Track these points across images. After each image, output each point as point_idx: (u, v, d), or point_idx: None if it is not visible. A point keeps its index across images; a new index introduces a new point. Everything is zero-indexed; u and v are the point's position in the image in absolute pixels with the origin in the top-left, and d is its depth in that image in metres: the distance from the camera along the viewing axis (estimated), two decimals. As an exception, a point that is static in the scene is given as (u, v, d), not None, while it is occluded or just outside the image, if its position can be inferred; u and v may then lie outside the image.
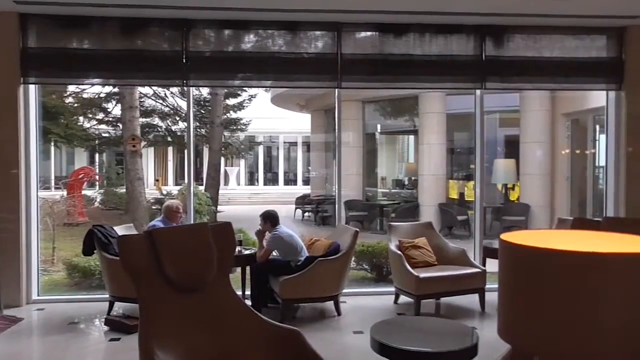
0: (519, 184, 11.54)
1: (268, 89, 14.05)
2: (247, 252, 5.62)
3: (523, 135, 11.09)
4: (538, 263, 1.28)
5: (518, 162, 11.05)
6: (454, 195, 13.04)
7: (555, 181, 10.92)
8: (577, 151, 10.39)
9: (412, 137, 15.11)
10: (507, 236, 1.44)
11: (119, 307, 5.19)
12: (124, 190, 12.60)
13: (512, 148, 11.85)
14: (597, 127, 9.45)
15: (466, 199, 12.23)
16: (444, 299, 5.59)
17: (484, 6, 5.27)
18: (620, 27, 6.04)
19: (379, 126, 14.79)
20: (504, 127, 12.73)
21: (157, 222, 5.38)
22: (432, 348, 2.46)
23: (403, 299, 5.56)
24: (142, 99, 14.18)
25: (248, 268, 5.48)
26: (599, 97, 6.70)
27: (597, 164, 9.67)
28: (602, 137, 7.28)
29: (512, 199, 12.10)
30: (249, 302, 5.14)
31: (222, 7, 5.23)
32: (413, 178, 13.37)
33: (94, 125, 15.58)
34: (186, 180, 6.51)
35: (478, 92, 6.14)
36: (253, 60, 5.70)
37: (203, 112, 15.10)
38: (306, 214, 14.76)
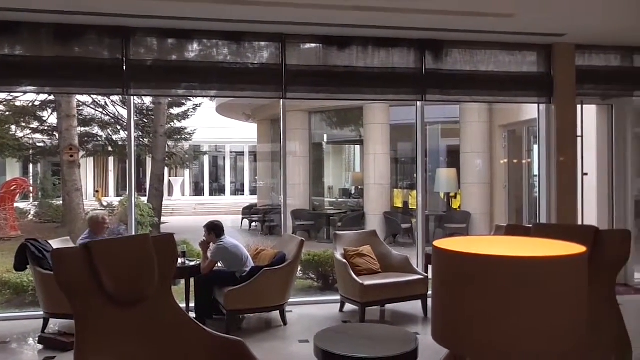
0: (460, 193, 11.95)
1: (213, 98, 13.91)
2: (191, 263, 5.52)
3: (463, 146, 11.53)
4: (463, 267, 1.35)
5: (459, 172, 11.46)
6: (399, 204, 13.32)
7: (494, 190, 11.40)
8: (515, 161, 10.89)
9: (358, 147, 15.36)
10: (439, 243, 1.50)
11: (55, 324, 4.97)
12: (61, 202, 12.09)
13: (453, 158, 12.27)
14: (533, 137, 9.95)
15: (410, 207, 12.53)
16: (388, 306, 5.70)
17: (423, 21, 5.47)
18: (548, 44, 6.42)
19: (325, 136, 14.94)
20: (446, 137, 13.17)
21: (83, 239, 5.08)
22: (373, 354, 2.52)
23: (348, 306, 5.63)
24: (81, 108, 13.69)
25: (192, 280, 5.39)
26: (532, 110, 7.08)
27: (532, 173, 10.18)
28: (536, 147, 7.68)
29: (454, 207, 12.51)
30: (193, 315, 5.08)
31: (164, 16, 5.15)
32: (359, 187, 13.57)
33: (27, 134, 14.87)
34: (127, 191, 6.33)
35: (419, 103, 6.34)
36: (197, 69, 5.64)
37: (146, 121, 14.73)
38: (253, 224, 14.66)
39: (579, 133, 6.83)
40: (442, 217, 11.88)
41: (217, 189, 25.98)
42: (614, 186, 7.29)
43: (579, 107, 6.80)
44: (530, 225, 3.37)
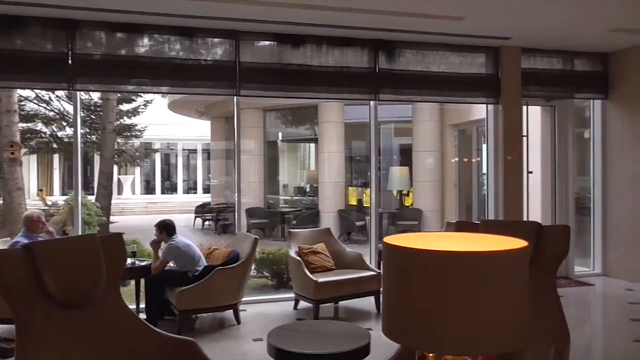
0: (412, 190, 12.20)
1: (165, 95, 13.60)
2: (141, 263, 5.39)
3: (415, 144, 11.78)
4: (411, 262, 1.38)
5: (411, 170, 11.70)
6: (353, 201, 13.46)
7: (445, 187, 11.71)
8: (465, 159, 11.22)
9: (313, 145, 15.41)
10: (388, 239, 1.53)
11: (-5, 330, 4.74)
12: (1, 201, 11.51)
13: (406, 156, 12.51)
14: (482, 137, 10.28)
15: (364, 205, 12.69)
16: (342, 303, 5.75)
17: (376, 22, 5.55)
18: (495, 47, 6.65)
19: (280, 134, 14.90)
20: (399, 136, 13.41)
21: (20, 239, 4.80)
22: (325, 350, 2.54)
23: (303, 304, 5.65)
24: (23, 103, 13.07)
25: (143, 280, 5.26)
26: (481, 110, 7.32)
27: (481, 171, 10.50)
28: (485, 146, 7.93)
29: (407, 205, 12.75)
30: (144, 316, 4.96)
31: (113, 9, 4.99)
32: (314, 185, 13.62)
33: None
34: (74, 190, 6.09)
35: (372, 103, 6.43)
36: (148, 65, 5.50)
37: (94, 117, 14.24)
38: (206, 222, 14.45)
39: (524, 133, 7.11)
40: (395, 214, 12.10)
41: (169, 188, 25.42)
42: (557, 184, 7.63)
43: (524, 107, 7.08)
44: (479, 222, 3.49)
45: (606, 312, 6.16)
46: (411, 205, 12.38)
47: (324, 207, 11.88)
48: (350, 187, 13.76)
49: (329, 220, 11.37)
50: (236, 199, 6.16)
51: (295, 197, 15.04)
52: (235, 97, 5.89)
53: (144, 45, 5.52)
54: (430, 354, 1.55)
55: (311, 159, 16.44)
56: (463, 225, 3.39)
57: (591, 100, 7.46)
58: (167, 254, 5.09)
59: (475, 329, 1.34)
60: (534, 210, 7.67)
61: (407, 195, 12.84)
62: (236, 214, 6.25)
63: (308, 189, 15.01)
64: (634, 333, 4.95)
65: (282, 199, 14.72)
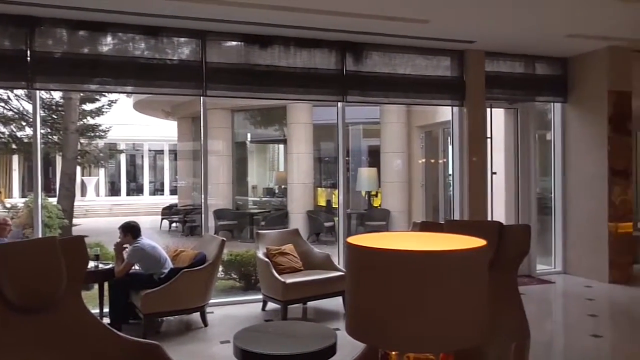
0: (380, 191, 12.32)
1: (130, 94, 13.34)
2: (105, 266, 5.27)
3: (383, 146, 11.90)
4: (373, 262, 1.40)
5: (380, 171, 11.81)
6: (322, 202, 13.50)
7: (412, 188, 11.87)
8: (432, 160, 11.39)
9: (282, 146, 15.38)
10: (352, 239, 1.55)
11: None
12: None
13: (374, 157, 12.62)
14: (448, 138, 10.46)
15: (333, 205, 12.73)
16: (310, 303, 5.76)
17: (343, 24, 5.58)
18: (460, 50, 6.78)
19: (249, 135, 14.81)
20: (367, 137, 13.51)
21: None
22: (292, 351, 2.54)
23: (271, 305, 5.64)
24: (-22, 102, 12.63)
25: (107, 284, 5.15)
26: (447, 112, 7.44)
27: (447, 172, 10.68)
28: (451, 147, 8.07)
29: (375, 205, 12.87)
30: (108, 320, 4.86)
31: (74, 7, 4.87)
32: (283, 186, 13.60)
33: None
34: (34, 192, 5.91)
35: (340, 104, 6.46)
36: (111, 64, 5.39)
37: (55, 117, 13.84)
38: (173, 224, 14.24)
39: (488, 135, 7.28)
40: (363, 214, 12.18)
41: (135, 189, 24.94)
42: (520, 184, 7.84)
43: (488, 110, 7.25)
44: (442, 222, 3.55)
45: (566, 308, 6.36)
46: (379, 205, 12.49)
47: (293, 208, 11.88)
48: (319, 188, 13.81)
49: (297, 221, 11.37)
50: (203, 201, 6.10)
51: (264, 198, 14.98)
52: (201, 98, 5.84)
53: (107, 43, 5.41)
54: (393, 352, 1.58)
55: (280, 160, 16.41)
56: (427, 226, 3.45)
57: (552, 103, 7.69)
58: (132, 256, 4.99)
59: (436, 327, 1.37)
60: (498, 210, 7.86)
61: (376, 196, 12.95)
62: (203, 215, 6.18)
63: (277, 190, 14.97)
64: (591, 328, 5.13)
65: (251, 200, 14.64)
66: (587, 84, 7.24)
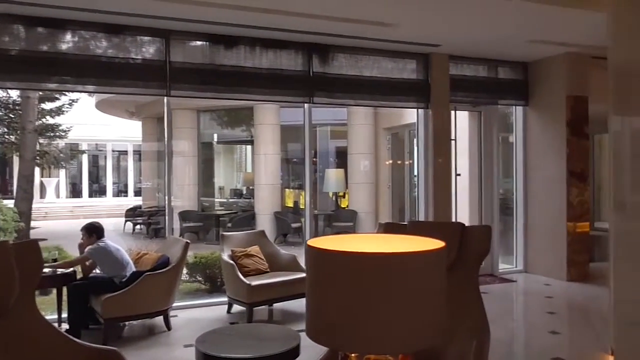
0: (347, 192, 12.38)
1: (92, 93, 13.01)
2: (65, 271, 5.10)
3: (350, 147, 11.97)
4: (332, 264, 1.40)
5: (347, 172, 11.87)
6: (290, 203, 13.48)
7: (379, 189, 11.97)
8: (399, 162, 11.52)
9: (249, 147, 15.27)
10: (312, 241, 1.54)
11: None
12: None
13: (342, 159, 12.68)
14: (414, 140, 10.59)
15: (301, 207, 12.72)
16: (277, 305, 5.74)
17: (310, 25, 5.58)
18: (426, 53, 6.88)
19: (215, 135, 14.65)
20: (335, 139, 13.57)
21: None
22: (254, 354, 2.52)
23: (237, 308, 5.59)
24: None
25: (65, 288, 4.99)
26: (413, 114, 7.54)
27: (413, 174, 10.82)
28: (416, 149, 8.17)
29: (343, 206, 12.92)
30: (67, 326, 4.72)
31: (32, 3, 4.71)
32: (250, 187, 13.51)
33: None
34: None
35: (306, 105, 6.46)
36: (71, 62, 5.23)
37: (12, 116, 13.37)
38: (137, 226, 13.95)
39: (452, 137, 7.40)
40: (330, 215, 12.22)
41: (98, 191, 24.31)
42: (483, 186, 8.00)
43: (452, 112, 7.37)
44: (405, 223, 3.59)
45: (526, 306, 6.52)
46: (347, 207, 12.55)
47: (260, 210, 11.81)
48: (287, 189, 13.78)
49: (265, 222, 11.32)
50: (166, 202, 6.00)
51: (231, 200, 14.84)
52: (165, 98, 5.74)
53: (67, 41, 5.25)
54: (353, 354, 1.58)
55: (248, 161, 16.29)
56: (392, 227, 3.48)
57: (514, 107, 7.89)
58: (92, 253, 4.86)
59: (395, 328, 1.38)
60: (462, 210, 8.00)
61: (343, 197, 13.01)
62: (167, 217, 6.07)
63: (244, 191, 14.86)
64: (549, 325, 5.27)
65: (218, 202, 14.48)
66: (547, 88, 7.46)
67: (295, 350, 2.62)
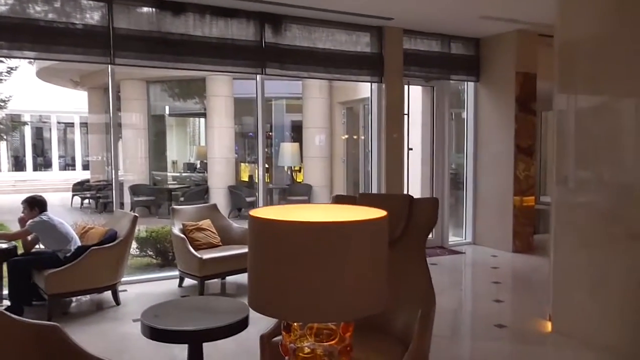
0: (302, 166, 12.37)
1: (33, 61, 12.32)
2: (3, 246, 4.89)
3: (305, 121, 11.90)
4: (273, 234, 1.39)
5: (302, 146, 11.83)
6: (246, 177, 13.36)
7: (334, 163, 12.02)
8: (355, 137, 11.56)
9: (203, 120, 14.94)
10: (254, 211, 1.52)
11: None
12: None
13: (298, 133, 12.61)
14: (369, 115, 10.62)
15: (256, 181, 12.61)
16: (229, 278, 5.71)
17: (262, -7, 5.44)
18: (379, 26, 6.85)
19: (167, 108, 14.23)
20: (291, 112, 13.46)
21: None
22: (200, 326, 2.50)
23: (188, 281, 5.54)
24: None
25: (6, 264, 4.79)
26: (367, 88, 7.55)
27: (367, 148, 10.90)
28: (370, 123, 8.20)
29: (298, 181, 12.92)
30: (8, 303, 4.55)
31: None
32: (204, 161, 13.28)
33: None
34: None
35: (259, 77, 6.34)
36: (5, 25, 4.90)
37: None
38: (86, 201, 13.52)
39: (405, 111, 7.47)
40: (285, 189, 12.21)
41: (43, 164, 23.29)
42: (435, 160, 8.15)
43: (406, 87, 7.42)
44: (355, 195, 3.62)
45: (473, 276, 6.76)
46: (302, 181, 12.56)
47: (214, 184, 11.64)
48: (242, 164, 13.64)
49: (219, 196, 11.18)
50: (113, 175, 5.80)
51: (184, 174, 14.56)
52: (109, 66, 5.49)
53: (1, 3, 4.91)
54: (295, 323, 1.58)
55: (201, 134, 15.96)
56: (342, 199, 3.49)
57: (465, 82, 8.01)
58: (34, 227, 4.66)
59: (335, 297, 1.38)
60: (414, 184, 8.15)
61: (299, 171, 13.00)
62: (114, 191, 5.88)
63: (198, 165, 14.60)
64: (494, 294, 5.49)
65: (171, 176, 14.18)
66: (497, 64, 7.61)
67: (244, 322, 2.61)
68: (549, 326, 4.40)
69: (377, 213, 1.54)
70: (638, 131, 3.85)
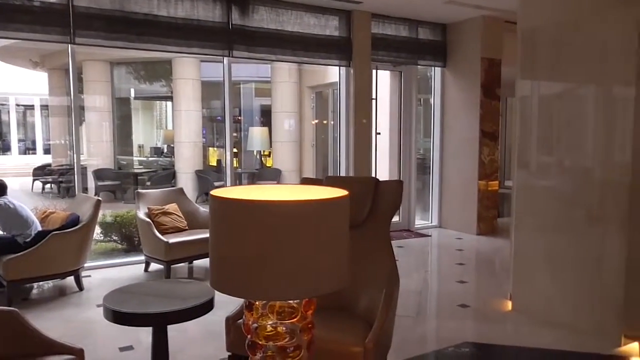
0: (272, 151, 12.32)
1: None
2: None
3: (275, 105, 11.81)
4: (235, 213, 1.38)
5: (271, 130, 11.76)
6: (214, 162, 13.23)
7: (303, 148, 12.00)
8: (325, 122, 11.55)
9: (170, 104, 14.65)
10: (215, 191, 1.51)
11: None
12: None
13: (267, 117, 12.52)
14: (338, 99, 10.61)
15: (224, 165, 12.50)
16: (197, 262, 5.68)
17: (229, -27, 5.34)
18: (348, 10, 6.83)
19: (133, 90, 13.89)
20: (260, 97, 13.33)
21: None
22: (163, 309, 2.48)
23: (155, 266, 5.48)
24: None
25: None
26: (336, 72, 7.53)
27: (336, 133, 10.91)
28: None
29: (268, 165, 12.87)
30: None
31: None
32: (171, 145, 13.06)
33: None
34: None
35: (226, 60, 6.25)
36: (-43, 0, 4.69)
37: None
38: (47, 185, 13.15)
39: (374, 96, 7.50)
40: (254, 174, 12.15)
41: (2, 148, 22.46)
42: (402, 145, 8.23)
43: (374, 72, 7.44)
44: (322, 178, 3.63)
45: (438, 258, 6.90)
46: (271, 165, 12.51)
47: (181, 168, 11.48)
48: (211, 148, 13.49)
49: (186, 181, 11.04)
50: (75, 159, 5.65)
51: (151, 158, 14.30)
52: (69, 46, 5.31)
53: (-49, -23, 4.68)
54: (257, 302, 1.59)
55: (168, 117, 15.66)
56: (308, 181, 3.49)
57: (433, 68, 8.09)
58: None
59: (295, 275, 1.39)
60: (382, 169, 8.23)
61: (269, 156, 12.94)
62: (76, 175, 5.73)
63: (165, 150, 14.36)
64: (458, 275, 5.63)
65: (137, 160, 13.90)
66: (463, 50, 7.70)
67: (209, 304, 2.60)
68: (509, 305, 4.55)
69: (338, 193, 1.55)
70: (598, 117, 3.98)
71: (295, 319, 1.56)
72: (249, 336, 1.57)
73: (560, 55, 4.15)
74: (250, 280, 1.41)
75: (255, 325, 1.57)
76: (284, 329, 1.55)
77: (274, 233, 1.36)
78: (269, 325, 1.55)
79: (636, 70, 3.56)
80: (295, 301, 1.56)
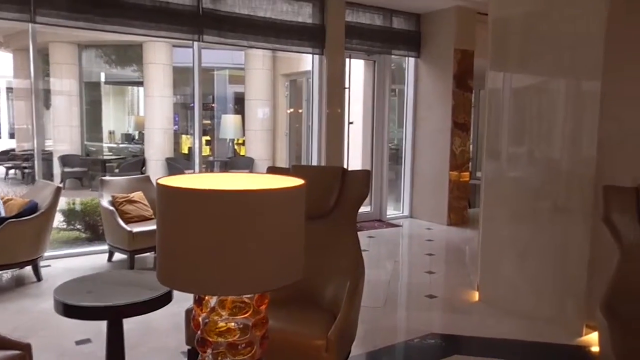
0: (244, 139, 12.17)
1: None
2: None
3: (248, 93, 11.65)
4: (182, 203, 1.31)
5: (244, 118, 11.60)
6: (186, 150, 13.01)
7: (276, 136, 11.89)
8: (300, 110, 11.43)
9: (142, 89, 14.30)
10: (162, 179, 1.43)
11: None
12: None
13: (241, 104, 12.34)
14: (311, 87, 10.51)
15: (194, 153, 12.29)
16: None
17: (198, -45, 5.18)
18: (322, -4, 6.72)
19: (103, 75, 13.51)
20: (234, 84, 13.13)
21: None
22: (117, 301, 2.38)
23: (118, 256, 5.34)
24: None
25: None
26: (310, 60, 7.43)
27: (309, 121, 10.82)
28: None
29: (242, 154, 12.71)
30: None
31: None
32: (142, 132, 12.78)
33: None
34: None
35: (196, 44, 6.09)
36: None
37: None
38: (11, 171, 12.75)
39: (347, 85, 7.43)
40: (227, 162, 11.99)
41: (-36, 131, 21.69)
42: (375, 134, 8.20)
43: (347, 60, 7.36)
44: (288, 167, 3.56)
45: (408, 249, 6.92)
46: (244, 154, 12.36)
47: (151, 155, 11.24)
48: (184, 135, 13.26)
49: (156, 168, 10.82)
50: (35, 143, 5.44)
51: (122, 145, 13.97)
52: (30, 25, 5.08)
53: None
54: (207, 297, 1.51)
55: (140, 103, 15.30)
56: (274, 170, 3.41)
57: (406, 58, 8.05)
58: None
59: (247, 268, 1.33)
60: (354, 158, 8.18)
61: (242, 144, 12.78)
62: (36, 160, 5.53)
63: (136, 136, 14.05)
64: (427, 265, 5.64)
65: (106, 147, 13.56)
66: (437, 41, 7.68)
67: (166, 297, 2.51)
68: (476, 296, 4.57)
69: (293, 182, 1.48)
70: (566, 108, 3.98)
71: (247, 314, 1.49)
72: (198, 332, 1.50)
73: (529, 46, 4.14)
74: (199, 274, 1.34)
75: (206, 320, 1.50)
76: (235, 325, 1.48)
77: (223, 224, 1.28)
78: (220, 321, 1.48)
79: (603, 63, 3.57)
80: (247, 296, 1.49)
